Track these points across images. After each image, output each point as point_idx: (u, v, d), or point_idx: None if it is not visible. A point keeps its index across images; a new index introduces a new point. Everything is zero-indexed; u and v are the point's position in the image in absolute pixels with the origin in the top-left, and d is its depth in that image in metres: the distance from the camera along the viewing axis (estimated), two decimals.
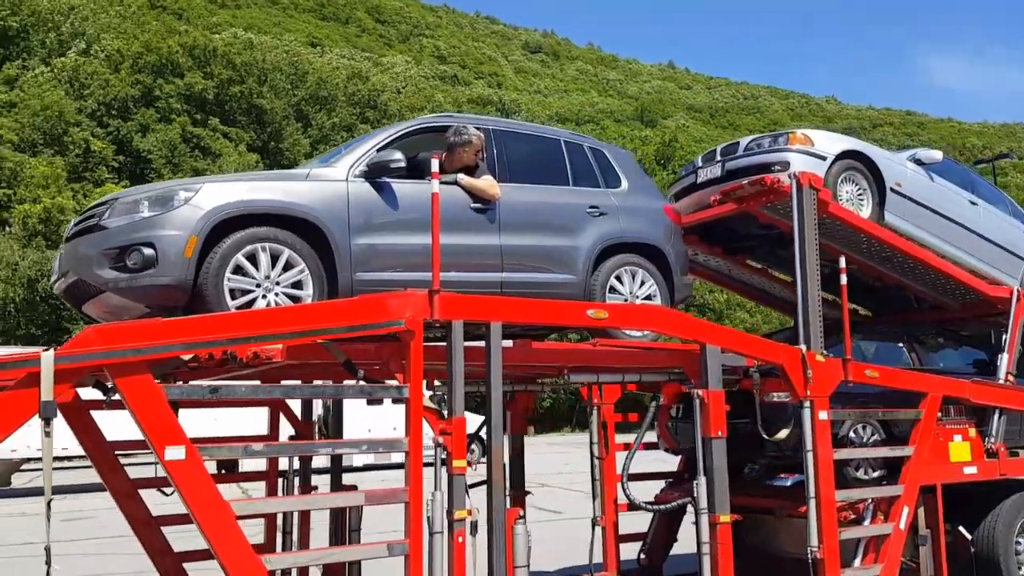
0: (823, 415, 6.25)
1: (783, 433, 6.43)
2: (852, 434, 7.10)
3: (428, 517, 4.61)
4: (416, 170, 5.87)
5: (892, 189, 7.63)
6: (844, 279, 6.62)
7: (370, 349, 4.84)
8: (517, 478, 7.69)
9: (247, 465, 13.02)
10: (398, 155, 5.53)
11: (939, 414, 7.22)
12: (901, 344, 8.16)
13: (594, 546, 7.12)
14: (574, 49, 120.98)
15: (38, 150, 42.42)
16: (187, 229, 4.92)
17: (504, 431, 7.48)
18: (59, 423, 3.97)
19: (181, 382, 4.77)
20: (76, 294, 5.29)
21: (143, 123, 46.90)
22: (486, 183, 5.97)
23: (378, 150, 5.73)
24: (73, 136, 43.63)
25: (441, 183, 5.16)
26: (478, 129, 6.16)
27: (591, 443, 7.48)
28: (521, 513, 5.02)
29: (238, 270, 5.02)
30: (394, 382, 4.72)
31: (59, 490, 21.06)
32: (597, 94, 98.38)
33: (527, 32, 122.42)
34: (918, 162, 8.11)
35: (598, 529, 7.33)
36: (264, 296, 5.04)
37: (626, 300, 6.51)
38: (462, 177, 5.89)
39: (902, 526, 6.65)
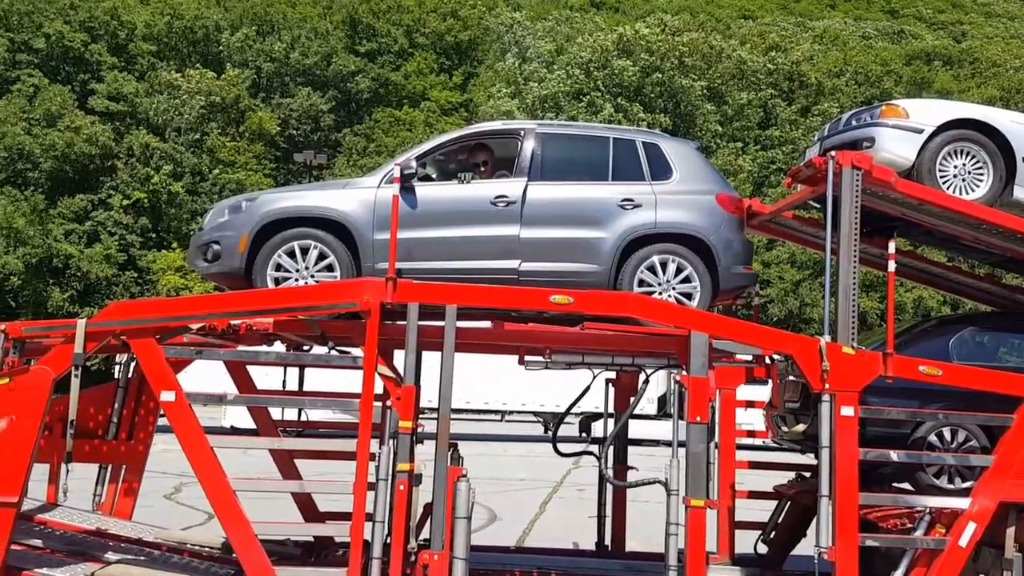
0: (847, 411, 5.86)
1: (800, 427, 6.11)
2: (934, 437, 6.36)
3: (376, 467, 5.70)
4: (463, 173, 7.01)
5: None
6: (892, 266, 6.05)
7: (343, 326, 6.05)
8: (622, 452, 8.15)
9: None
10: (412, 164, 6.53)
11: None
12: None
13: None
14: None
15: None
16: (242, 230, 6.57)
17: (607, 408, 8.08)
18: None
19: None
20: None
21: (572, 115, 51.64)
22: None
23: (416, 159, 6.79)
24: None
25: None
26: (520, 132, 6.97)
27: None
28: (464, 471, 5.77)
29: (280, 262, 6.55)
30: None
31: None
32: None
33: None
34: None
35: (712, 513, 7.49)
36: (297, 282, 6.50)
37: (658, 290, 6.64)
38: (465, 175, 6.75)
39: (962, 543, 5.88)
